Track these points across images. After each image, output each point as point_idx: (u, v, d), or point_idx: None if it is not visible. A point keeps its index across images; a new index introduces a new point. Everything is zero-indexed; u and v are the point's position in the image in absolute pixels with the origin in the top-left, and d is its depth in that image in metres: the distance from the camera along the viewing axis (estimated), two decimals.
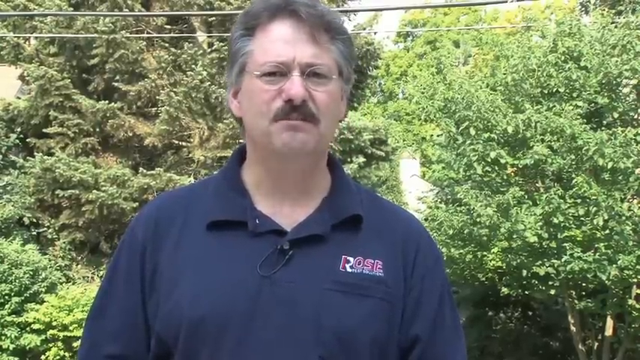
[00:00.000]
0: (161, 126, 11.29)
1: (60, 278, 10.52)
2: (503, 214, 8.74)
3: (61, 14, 11.14)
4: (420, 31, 38.46)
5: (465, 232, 9.49)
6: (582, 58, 9.15)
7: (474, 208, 8.91)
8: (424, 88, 10.41)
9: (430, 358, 1.39)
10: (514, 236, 8.81)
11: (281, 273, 1.31)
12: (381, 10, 11.99)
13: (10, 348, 9.35)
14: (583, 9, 15.68)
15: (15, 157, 11.45)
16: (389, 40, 39.73)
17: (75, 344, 9.13)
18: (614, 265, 8.58)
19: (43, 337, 9.42)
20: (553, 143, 8.82)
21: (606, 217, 8.36)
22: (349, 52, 1.39)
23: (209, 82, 10.96)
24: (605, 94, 9.23)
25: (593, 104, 9.34)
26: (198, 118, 11.38)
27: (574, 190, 8.56)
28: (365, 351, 1.32)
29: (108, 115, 11.41)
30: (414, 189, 16.77)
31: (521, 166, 9.20)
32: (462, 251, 10.19)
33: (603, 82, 9.13)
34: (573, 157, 8.81)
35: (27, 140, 11.85)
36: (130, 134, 11.68)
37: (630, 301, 9.79)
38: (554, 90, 9.27)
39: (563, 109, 8.81)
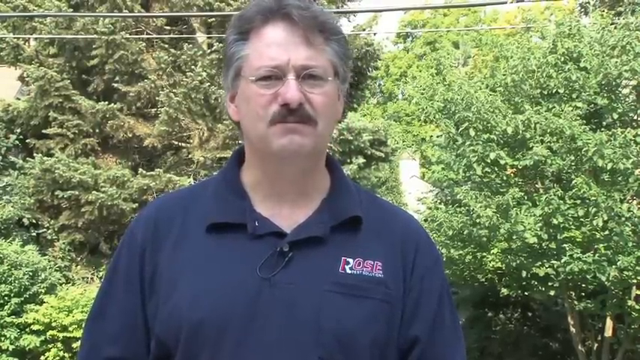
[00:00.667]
0: (161, 127, 11.29)
1: (59, 279, 10.51)
2: (502, 215, 8.74)
3: (60, 15, 11.13)
4: (420, 32, 38.48)
5: (465, 232, 9.49)
6: (582, 59, 9.15)
7: (473, 209, 8.90)
8: (424, 89, 10.40)
9: (429, 358, 1.39)
10: (514, 237, 8.80)
11: (281, 275, 1.31)
12: (380, 11, 12.01)
13: (10, 349, 9.34)
14: (582, 10, 15.67)
15: (15, 157, 11.45)
16: (388, 41, 39.86)
17: (74, 345, 9.13)
18: (613, 266, 8.58)
19: (43, 337, 9.41)
20: (553, 144, 8.82)
21: (606, 218, 8.36)
22: (344, 51, 1.39)
23: (209, 83, 10.96)
24: (605, 95, 9.23)
25: (592, 105, 9.34)
26: (198, 119, 11.38)
27: (574, 191, 8.56)
28: (365, 352, 1.32)
29: (107, 115, 11.41)
30: (413, 190, 16.75)
31: (520, 167, 9.19)
32: (461, 252, 10.19)
33: (603, 83, 9.13)
34: (573, 158, 8.81)
35: (27, 141, 11.85)
36: (130, 135, 11.68)
37: (630, 302, 9.78)
38: (554, 91, 9.26)
39: (562, 110, 8.81)
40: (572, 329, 10.50)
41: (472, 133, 9.03)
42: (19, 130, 11.84)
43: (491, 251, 9.94)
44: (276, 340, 1.29)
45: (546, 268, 9.05)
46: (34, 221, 11.43)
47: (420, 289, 1.40)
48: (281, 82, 1.32)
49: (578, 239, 9.03)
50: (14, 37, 11.91)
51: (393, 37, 40.30)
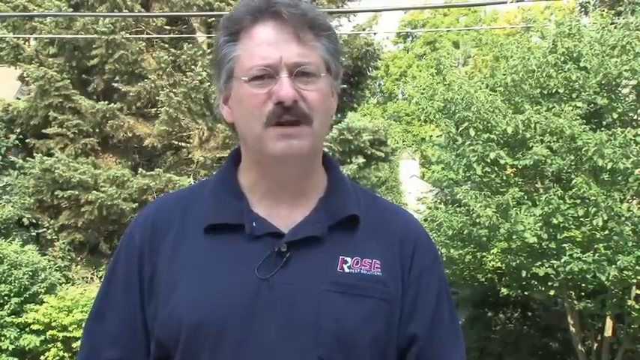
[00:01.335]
0: (161, 126, 11.28)
1: (59, 279, 10.51)
2: (502, 214, 8.73)
3: (60, 15, 11.13)
4: (420, 32, 38.45)
5: (465, 232, 9.48)
6: (582, 59, 9.14)
7: (473, 209, 8.90)
8: (424, 89, 10.39)
9: (428, 356, 1.39)
10: (513, 237, 8.80)
11: (279, 275, 1.31)
12: (380, 10, 11.99)
13: (10, 349, 9.34)
14: (582, 10, 15.65)
15: (14, 157, 11.44)
16: (388, 41, 39.79)
17: (74, 345, 9.13)
18: (613, 266, 8.58)
19: (43, 337, 9.40)
20: (552, 144, 8.82)
21: (606, 218, 8.35)
22: (335, 47, 1.39)
23: (208, 83, 10.95)
24: (605, 94, 9.23)
25: (592, 105, 9.33)
26: (198, 119, 11.38)
27: (573, 190, 8.56)
28: (364, 351, 1.32)
29: (107, 115, 11.41)
30: (413, 190, 16.76)
31: (520, 167, 9.19)
32: (461, 252, 10.18)
33: (603, 82, 9.12)
34: (573, 157, 8.81)
35: (26, 141, 11.85)
36: (130, 135, 11.68)
37: (630, 302, 9.78)
38: (554, 90, 9.26)
39: (562, 110, 8.80)
40: (572, 329, 10.49)
41: (472, 132, 9.02)
42: (19, 130, 11.84)
43: (491, 251, 9.93)
44: (275, 340, 1.29)
45: (546, 267, 9.04)
46: (33, 221, 11.42)
47: (419, 287, 1.40)
48: (274, 80, 1.32)
49: (578, 239, 9.03)
50: (14, 37, 11.91)
51: (392, 37, 40.30)
